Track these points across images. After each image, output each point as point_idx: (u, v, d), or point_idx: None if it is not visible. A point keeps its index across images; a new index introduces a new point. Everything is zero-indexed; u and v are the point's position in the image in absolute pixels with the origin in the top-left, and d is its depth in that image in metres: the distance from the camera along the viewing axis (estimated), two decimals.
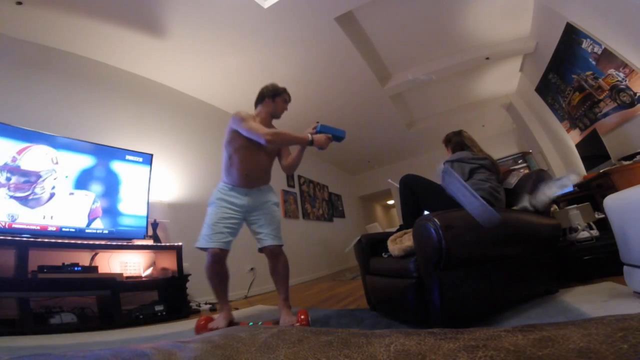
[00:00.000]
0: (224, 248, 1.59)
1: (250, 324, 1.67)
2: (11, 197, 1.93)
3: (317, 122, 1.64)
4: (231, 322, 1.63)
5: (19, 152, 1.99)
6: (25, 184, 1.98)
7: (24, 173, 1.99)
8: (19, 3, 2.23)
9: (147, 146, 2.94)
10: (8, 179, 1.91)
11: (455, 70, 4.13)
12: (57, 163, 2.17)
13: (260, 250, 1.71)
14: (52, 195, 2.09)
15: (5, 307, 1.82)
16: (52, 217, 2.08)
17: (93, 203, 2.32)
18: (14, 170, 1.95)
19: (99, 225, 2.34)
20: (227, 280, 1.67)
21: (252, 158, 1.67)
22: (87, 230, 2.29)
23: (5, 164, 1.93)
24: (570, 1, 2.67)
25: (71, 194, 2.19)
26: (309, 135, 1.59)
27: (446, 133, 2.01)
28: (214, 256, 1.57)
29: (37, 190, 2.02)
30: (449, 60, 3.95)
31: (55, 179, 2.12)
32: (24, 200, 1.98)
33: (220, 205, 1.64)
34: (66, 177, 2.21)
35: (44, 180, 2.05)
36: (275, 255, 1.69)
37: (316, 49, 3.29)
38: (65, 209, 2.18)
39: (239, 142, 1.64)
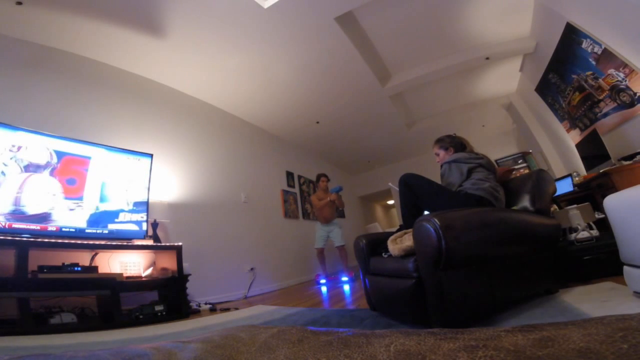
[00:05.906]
0: (322, 247, 4.16)
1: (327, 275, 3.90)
2: None
3: (331, 189, 4.14)
4: (327, 274, 4.02)
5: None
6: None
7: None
8: (19, 3, 2.23)
9: (147, 146, 2.94)
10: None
11: (455, 70, 4.13)
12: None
13: (336, 247, 4.16)
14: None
15: (5, 307, 1.82)
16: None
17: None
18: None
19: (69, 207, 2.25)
20: (325, 260, 4.14)
21: (322, 212, 4.17)
22: (87, 230, 2.29)
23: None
24: (570, 1, 2.67)
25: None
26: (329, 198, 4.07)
27: (442, 134, 2.03)
28: (319, 251, 4.13)
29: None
30: (449, 60, 3.95)
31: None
32: None
33: (319, 230, 4.22)
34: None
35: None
36: (339, 250, 4.14)
37: (316, 49, 3.29)
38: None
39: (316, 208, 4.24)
